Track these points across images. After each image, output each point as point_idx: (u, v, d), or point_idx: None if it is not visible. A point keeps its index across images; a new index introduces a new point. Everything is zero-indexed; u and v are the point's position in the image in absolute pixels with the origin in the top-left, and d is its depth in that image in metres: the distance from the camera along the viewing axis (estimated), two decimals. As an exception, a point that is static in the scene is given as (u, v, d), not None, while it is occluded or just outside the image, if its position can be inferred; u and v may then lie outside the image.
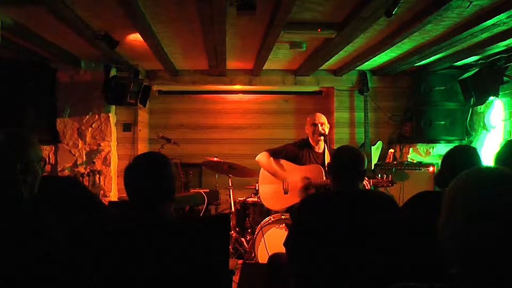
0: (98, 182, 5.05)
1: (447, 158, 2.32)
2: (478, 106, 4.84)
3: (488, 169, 1.17)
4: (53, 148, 5.10)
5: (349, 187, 2.29)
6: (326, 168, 3.55)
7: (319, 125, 3.87)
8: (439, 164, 2.40)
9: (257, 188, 4.32)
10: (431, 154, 5.21)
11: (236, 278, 3.33)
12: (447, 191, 1.07)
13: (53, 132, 4.95)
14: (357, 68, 5.35)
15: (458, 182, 1.06)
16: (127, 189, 1.76)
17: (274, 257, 2.70)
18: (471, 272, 0.99)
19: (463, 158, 2.24)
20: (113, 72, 4.97)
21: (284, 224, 3.93)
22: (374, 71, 5.53)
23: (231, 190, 4.66)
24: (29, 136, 1.72)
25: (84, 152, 5.15)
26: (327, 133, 3.90)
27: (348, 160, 2.31)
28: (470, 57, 4.41)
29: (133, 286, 1.62)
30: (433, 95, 5.01)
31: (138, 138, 5.47)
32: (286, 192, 3.91)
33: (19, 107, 4.27)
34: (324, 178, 3.73)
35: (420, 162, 4.94)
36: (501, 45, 3.93)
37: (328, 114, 5.49)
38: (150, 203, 1.74)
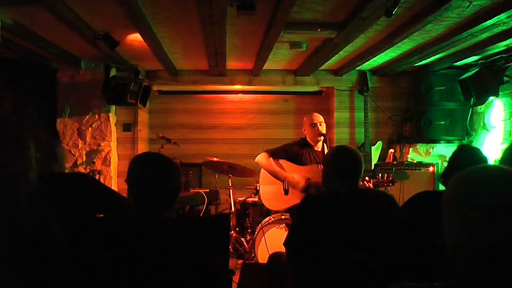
0: (98, 182, 5.05)
1: (454, 157, 2.30)
2: (478, 106, 4.84)
3: (489, 168, 1.16)
4: (53, 148, 5.09)
5: (349, 187, 2.29)
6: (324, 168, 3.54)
7: (318, 124, 3.86)
8: (442, 164, 2.39)
9: (257, 188, 4.32)
10: (431, 154, 5.21)
11: (236, 278, 3.33)
12: (448, 190, 1.06)
13: (53, 132, 4.94)
14: (357, 68, 5.35)
15: (459, 182, 1.05)
16: (131, 188, 1.76)
17: (274, 257, 2.70)
18: (474, 272, 0.98)
19: (469, 156, 2.23)
20: (113, 72, 4.97)
21: (284, 224, 3.93)
22: (374, 71, 5.54)
23: (231, 190, 4.66)
24: (24, 133, 1.70)
25: (84, 152, 5.16)
26: (325, 132, 3.89)
27: (348, 160, 2.31)
28: (470, 57, 4.41)
29: (132, 286, 1.62)
30: (433, 95, 5.01)
31: (138, 138, 5.47)
32: (286, 193, 3.90)
33: (19, 107, 4.27)
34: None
35: (420, 162, 4.94)
36: (501, 45, 3.93)
37: (328, 114, 5.50)
38: (153, 203, 1.74)
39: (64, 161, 2.32)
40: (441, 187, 2.41)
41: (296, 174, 3.81)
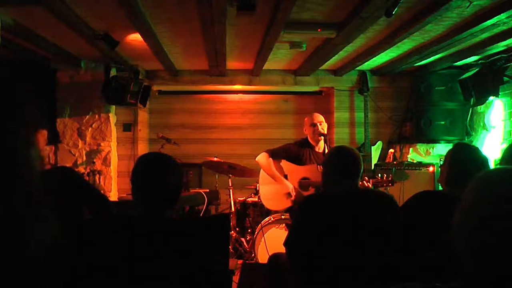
0: (98, 182, 5.05)
1: (457, 158, 2.26)
2: (478, 106, 4.84)
3: (509, 170, 1.15)
4: (53, 148, 5.10)
5: (349, 187, 2.29)
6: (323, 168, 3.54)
7: (318, 124, 3.86)
8: (446, 165, 2.33)
9: (257, 188, 4.32)
10: (431, 154, 5.20)
11: (236, 278, 3.33)
12: (467, 191, 1.05)
13: (53, 132, 4.94)
14: (357, 68, 5.35)
15: (477, 183, 1.04)
16: (134, 188, 1.76)
17: (274, 257, 2.70)
18: (485, 274, 0.97)
19: (472, 157, 2.20)
20: (113, 72, 4.97)
21: (284, 224, 3.93)
22: (374, 71, 5.53)
23: (231, 190, 4.66)
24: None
25: (84, 152, 5.15)
26: (326, 132, 3.89)
27: (348, 160, 2.31)
28: (470, 57, 4.41)
29: (132, 286, 1.62)
30: (433, 95, 5.01)
31: (138, 138, 5.47)
32: (290, 196, 3.89)
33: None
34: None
35: (420, 162, 4.94)
36: (501, 45, 3.93)
37: (328, 114, 5.50)
38: (154, 203, 1.74)
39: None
40: (441, 187, 2.40)
41: (291, 184, 3.81)
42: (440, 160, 4.79)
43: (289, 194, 3.81)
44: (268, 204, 4.05)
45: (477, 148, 2.30)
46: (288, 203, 3.87)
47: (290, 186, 3.81)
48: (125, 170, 5.25)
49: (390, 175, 3.71)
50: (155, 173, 1.76)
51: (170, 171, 1.78)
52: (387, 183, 3.62)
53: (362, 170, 2.33)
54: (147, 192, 1.75)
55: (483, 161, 2.17)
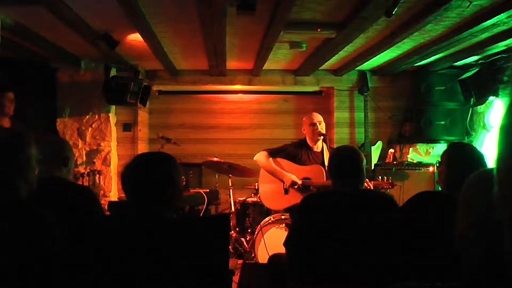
0: (98, 182, 5.05)
1: (454, 159, 2.24)
2: (478, 106, 4.84)
3: None
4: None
5: (349, 186, 2.29)
6: (326, 169, 3.54)
7: (317, 124, 3.86)
8: (443, 166, 2.30)
9: (257, 188, 4.32)
10: (431, 154, 5.21)
11: (236, 278, 3.33)
12: (468, 190, 1.04)
13: (53, 132, 4.94)
14: (357, 68, 5.34)
15: (475, 181, 1.03)
16: (126, 188, 1.75)
17: (274, 257, 2.70)
18: (485, 274, 0.97)
19: (469, 156, 2.19)
20: (113, 72, 4.96)
21: (284, 224, 3.92)
22: (374, 71, 5.53)
23: (231, 190, 4.66)
24: (25, 133, 1.72)
25: (84, 152, 5.15)
26: (325, 132, 3.89)
27: (345, 160, 2.31)
28: (470, 57, 4.41)
29: (132, 286, 1.62)
30: (433, 95, 5.01)
31: (138, 138, 5.47)
32: (286, 192, 3.91)
33: (19, 107, 4.27)
34: (325, 178, 3.73)
35: (420, 162, 4.94)
36: (501, 45, 3.93)
37: (328, 114, 5.50)
38: (150, 202, 1.74)
39: (73, 164, 2.35)
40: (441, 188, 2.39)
41: (294, 175, 3.83)
42: (437, 163, 4.78)
43: (293, 183, 3.81)
44: (268, 203, 4.05)
45: (473, 147, 2.29)
46: (288, 203, 3.87)
47: (294, 176, 3.81)
48: (125, 170, 5.24)
49: (390, 177, 3.71)
50: (145, 172, 1.75)
51: (165, 169, 1.77)
52: (387, 185, 3.63)
53: (361, 169, 2.32)
54: (142, 192, 1.74)
55: (480, 159, 2.16)
